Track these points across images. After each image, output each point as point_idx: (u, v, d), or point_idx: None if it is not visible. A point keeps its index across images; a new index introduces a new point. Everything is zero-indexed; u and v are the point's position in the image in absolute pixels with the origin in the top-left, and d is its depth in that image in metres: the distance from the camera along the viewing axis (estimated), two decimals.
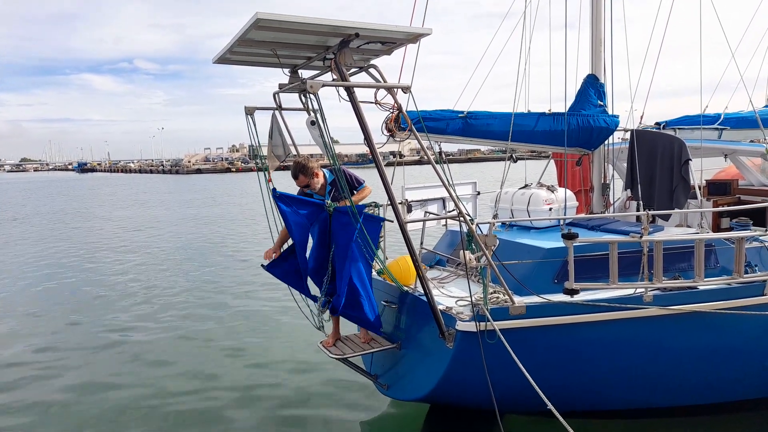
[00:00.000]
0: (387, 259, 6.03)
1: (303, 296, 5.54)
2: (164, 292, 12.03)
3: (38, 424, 6.27)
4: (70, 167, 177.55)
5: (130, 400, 6.74)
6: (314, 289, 5.54)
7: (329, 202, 5.10)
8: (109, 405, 6.63)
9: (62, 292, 12.44)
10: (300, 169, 5.19)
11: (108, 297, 11.82)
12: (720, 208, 6.62)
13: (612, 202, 7.84)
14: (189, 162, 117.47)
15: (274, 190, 4.97)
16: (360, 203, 5.19)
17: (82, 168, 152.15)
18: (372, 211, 5.75)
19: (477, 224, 4.66)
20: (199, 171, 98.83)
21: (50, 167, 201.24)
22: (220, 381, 7.21)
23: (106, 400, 6.79)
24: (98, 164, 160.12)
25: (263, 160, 5.60)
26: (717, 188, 8.43)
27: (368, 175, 5.44)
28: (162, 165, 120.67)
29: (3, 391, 7.20)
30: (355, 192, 5.24)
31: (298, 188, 5.41)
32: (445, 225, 7.02)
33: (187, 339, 8.96)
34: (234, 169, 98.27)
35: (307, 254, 5.35)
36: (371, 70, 4.66)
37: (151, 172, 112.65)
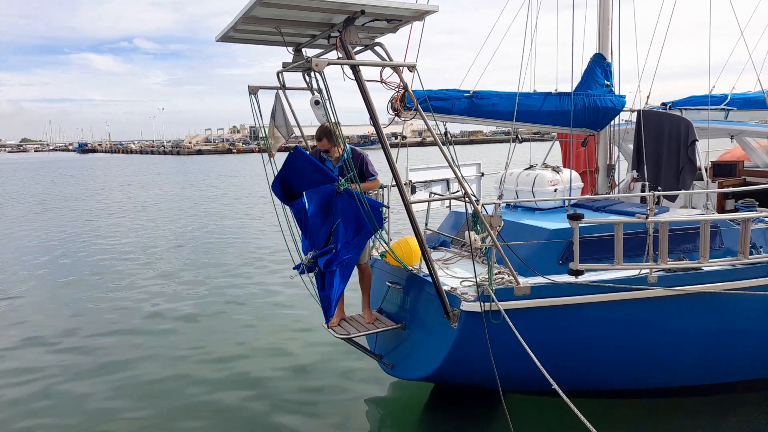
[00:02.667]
0: (390, 240, 6.03)
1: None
2: (152, 278, 12.07)
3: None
4: (71, 148, 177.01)
5: (124, 391, 6.66)
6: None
7: (342, 180, 4.99)
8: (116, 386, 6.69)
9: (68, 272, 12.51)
10: (325, 133, 5.08)
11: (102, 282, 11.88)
12: (726, 189, 6.59)
13: (617, 183, 7.81)
14: (190, 143, 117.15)
15: (296, 147, 4.88)
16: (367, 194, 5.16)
17: (83, 149, 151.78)
18: (376, 192, 5.73)
19: (482, 205, 4.65)
20: (200, 152, 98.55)
21: (51, 148, 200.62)
22: (219, 367, 7.23)
23: (120, 382, 6.85)
24: (99, 145, 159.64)
25: (266, 140, 5.58)
26: (722, 170, 8.39)
27: (372, 156, 5.42)
28: (163, 146, 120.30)
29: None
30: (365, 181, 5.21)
31: (314, 150, 5.38)
32: (449, 206, 7.00)
33: (176, 323, 9.01)
34: (235, 150, 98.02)
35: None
36: (377, 48, 4.60)
37: (152, 152, 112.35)
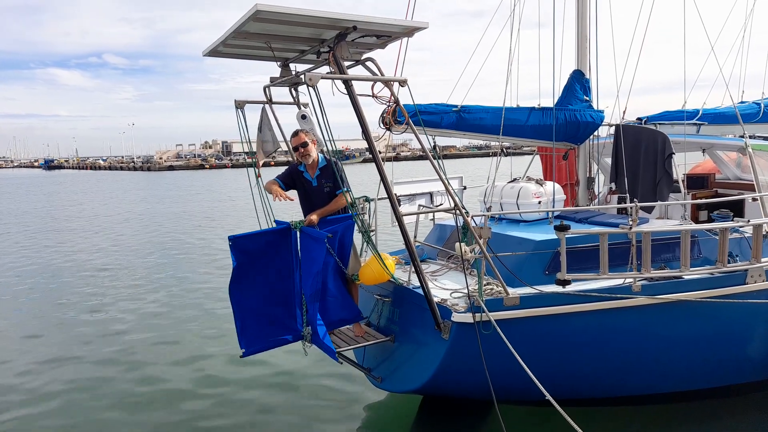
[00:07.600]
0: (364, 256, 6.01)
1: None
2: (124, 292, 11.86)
3: None
4: (36, 164, 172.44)
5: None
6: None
7: (294, 222, 5.00)
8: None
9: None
10: (300, 130, 5.19)
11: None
12: (703, 200, 6.82)
13: (596, 195, 8.00)
14: (161, 159, 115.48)
15: (229, 236, 4.88)
16: (338, 213, 5.19)
17: (49, 165, 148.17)
18: (362, 205, 5.77)
19: (472, 217, 4.72)
20: (171, 168, 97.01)
21: (15, 164, 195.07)
22: (202, 380, 7.15)
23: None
24: (66, 161, 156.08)
25: (253, 155, 5.59)
26: (695, 182, 8.68)
27: (359, 170, 5.46)
28: (133, 162, 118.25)
29: None
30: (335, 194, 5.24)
31: (289, 168, 5.42)
32: (433, 219, 7.07)
33: (160, 339, 8.86)
34: (207, 166, 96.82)
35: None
36: (368, 63, 4.66)
37: (122, 168, 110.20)
